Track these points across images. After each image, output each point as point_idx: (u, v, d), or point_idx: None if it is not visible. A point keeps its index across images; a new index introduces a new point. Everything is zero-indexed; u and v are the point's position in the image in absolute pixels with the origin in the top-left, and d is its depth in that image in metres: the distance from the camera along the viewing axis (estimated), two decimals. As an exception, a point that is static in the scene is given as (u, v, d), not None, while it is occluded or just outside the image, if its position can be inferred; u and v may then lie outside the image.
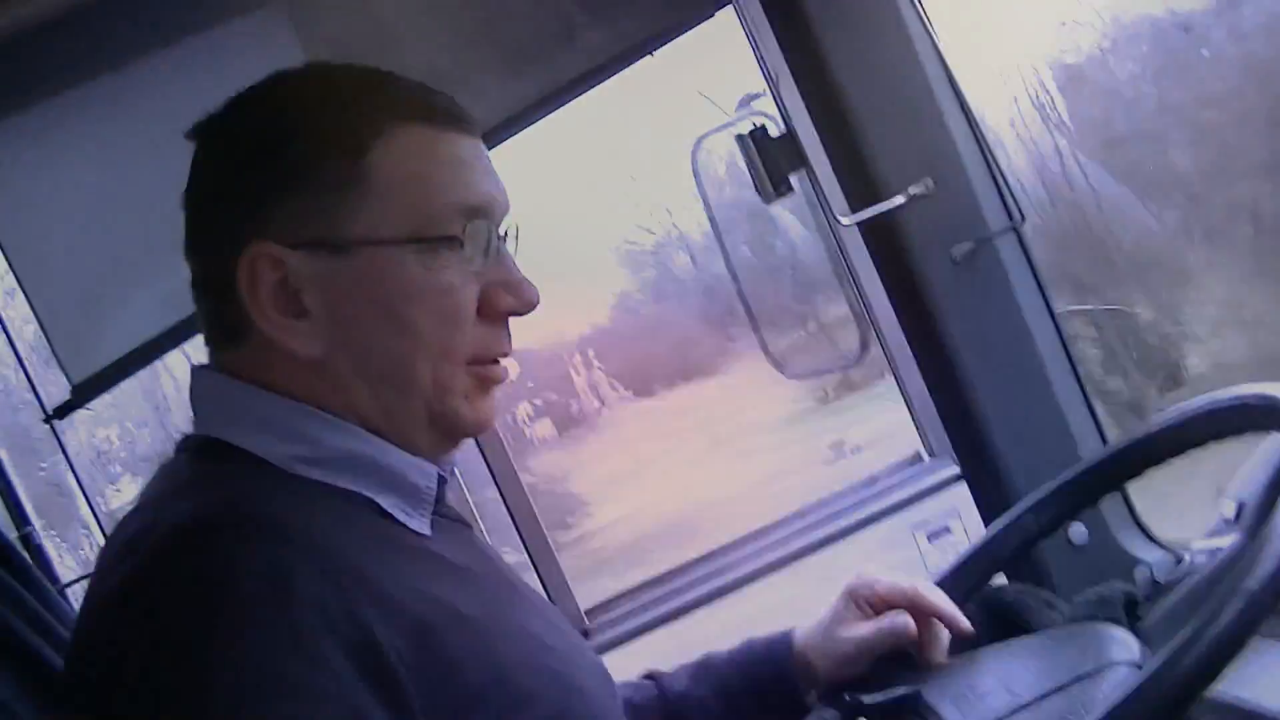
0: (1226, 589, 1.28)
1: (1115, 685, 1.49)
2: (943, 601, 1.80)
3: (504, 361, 1.49)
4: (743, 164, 2.48)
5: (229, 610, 1.19)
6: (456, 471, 1.60)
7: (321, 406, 1.41)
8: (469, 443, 2.63)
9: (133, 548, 1.29)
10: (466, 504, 2.79)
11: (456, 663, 1.29)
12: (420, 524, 1.45)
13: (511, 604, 1.49)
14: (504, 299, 1.45)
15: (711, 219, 2.68)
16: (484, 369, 1.46)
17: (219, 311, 1.43)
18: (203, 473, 1.40)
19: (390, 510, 1.42)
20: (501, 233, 1.48)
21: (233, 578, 1.21)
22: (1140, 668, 1.51)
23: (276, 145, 1.39)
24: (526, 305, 1.48)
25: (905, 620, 1.76)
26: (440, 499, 1.49)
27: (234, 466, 1.39)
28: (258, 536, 1.25)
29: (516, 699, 1.34)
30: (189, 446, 1.45)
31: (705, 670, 1.86)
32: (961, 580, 1.90)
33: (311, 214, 1.37)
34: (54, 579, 2.21)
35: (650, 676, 1.89)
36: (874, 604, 1.81)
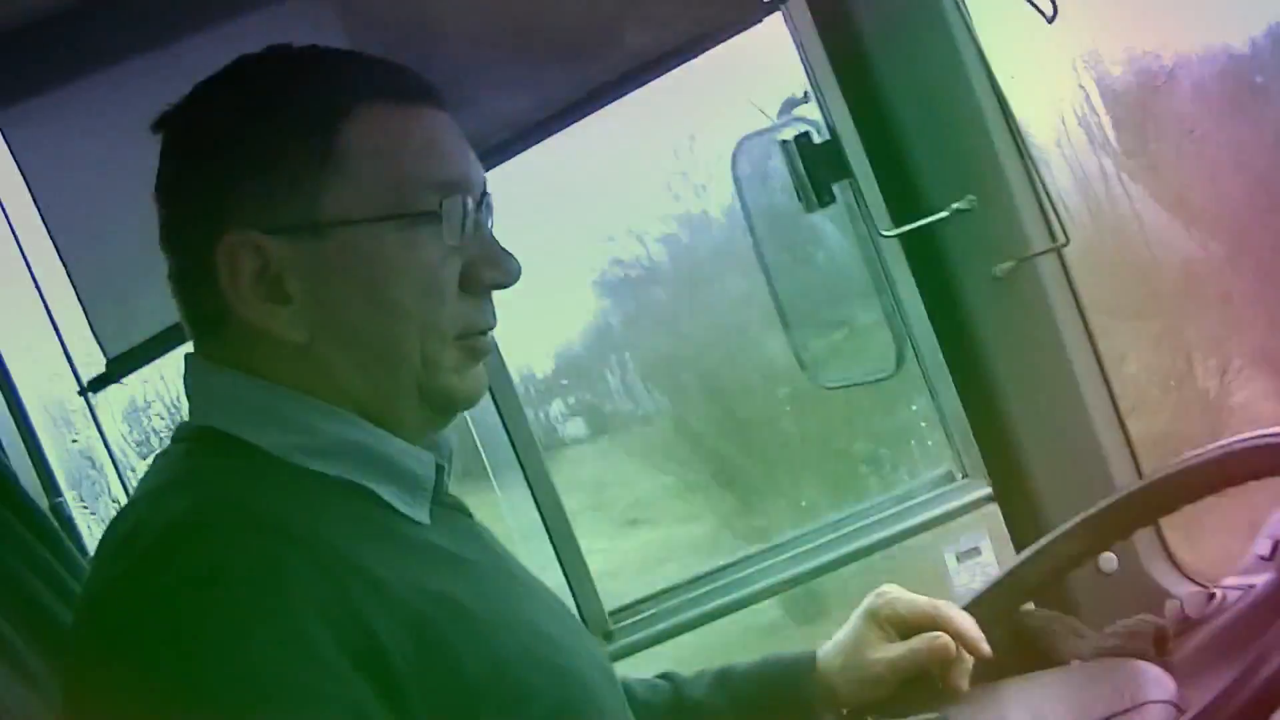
0: (1274, 635, 1.26)
1: None
2: (967, 624, 1.78)
3: (489, 334, 1.49)
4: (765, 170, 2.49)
5: (225, 608, 1.18)
6: (478, 443, 1.59)
7: (311, 393, 1.40)
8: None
9: (129, 543, 1.28)
10: (491, 488, 2.79)
11: (456, 656, 1.28)
12: (419, 513, 1.43)
13: (512, 595, 1.48)
14: (485, 272, 1.45)
15: (750, 224, 2.67)
16: (471, 341, 1.45)
17: (199, 301, 1.42)
18: (199, 465, 1.39)
19: (389, 499, 1.41)
20: (476, 206, 1.46)
21: (229, 575, 1.20)
22: (1178, 707, 1.50)
23: (246, 131, 1.38)
24: (508, 277, 1.47)
25: (946, 641, 1.74)
26: (439, 487, 1.48)
27: (230, 458, 1.38)
28: (254, 532, 1.24)
29: (517, 692, 1.32)
30: (185, 436, 1.44)
31: (724, 681, 1.85)
32: (992, 605, 1.89)
33: (286, 198, 1.36)
34: (83, 550, 2.20)
35: (666, 677, 1.87)
36: (896, 625, 1.80)
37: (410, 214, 1.38)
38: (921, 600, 1.81)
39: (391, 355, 1.40)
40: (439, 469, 1.47)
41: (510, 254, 1.47)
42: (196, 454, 1.40)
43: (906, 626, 1.79)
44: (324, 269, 1.37)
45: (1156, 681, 1.57)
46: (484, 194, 1.48)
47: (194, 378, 1.45)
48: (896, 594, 1.82)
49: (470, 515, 1.56)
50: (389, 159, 1.39)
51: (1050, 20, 2.10)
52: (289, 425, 1.38)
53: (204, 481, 1.35)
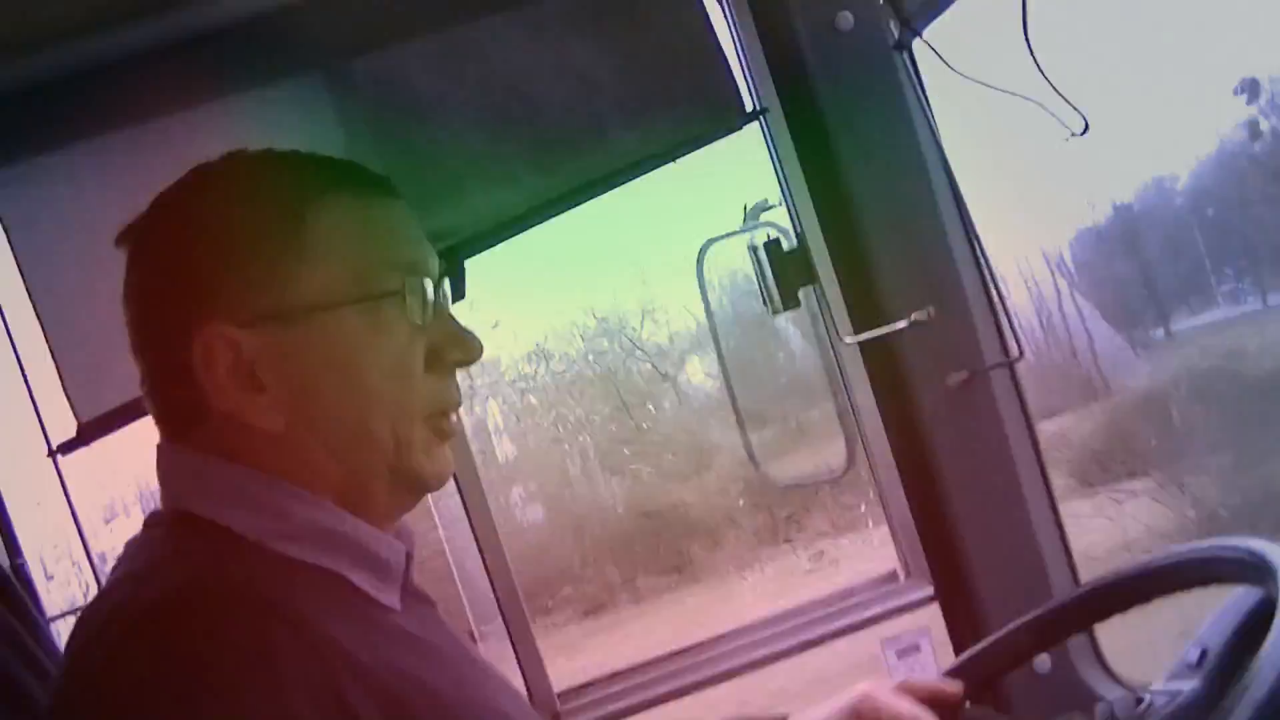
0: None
1: None
2: None
3: (454, 416, 1.53)
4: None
5: (214, 685, 1.19)
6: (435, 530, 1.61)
7: (287, 479, 1.42)
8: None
9: (111, 625, 1.27)
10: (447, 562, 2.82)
11: None
12: (390, 598, 1.45)
13: (478, 681, 1.51)
14: (449, 351, 1.49)
15: (711, 326, 2.75)
16: (438, 421, 1.49)
17: (176, 399, 1.44)
18: (177, 547, 1.39)
19: (361, 585, 1.43)
20: (436, 288, 1.50)
21: (217, 652, 1.21)
22: None
23: (218, 231, 1.42)
24: (471, 355, 1.51)
25: None
26: (407, 575, 1.50)
27: (208, 540, 1.38)
28: (241, 609, 1.25)
29: None
30: (159, 523, 1.45)
31: None
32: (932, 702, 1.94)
33: (257, 290, 1.40)
34: (40, 611, 2.21)
35: None
36: None
37: (376, 295, 1.43)
38: (905, 708, 1.76)
39: (364, 437, 1.43)
40: (407, 557, 1.50)
41: (472, 333, 1.51)
42: (172, 538, 1.41)
43: None
44: (295, 355, 1.41)
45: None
46: (442, 278, 1.52)
47: (167, 464, 1.47)
48: (883, 699, 1.77)
49: (434, 604, 1.58)
50: (353, 244, 1.43)
51: (1083, 133, 2.15)
52: (263, 509, 1.40)
53: (184, 561, 1.35)
